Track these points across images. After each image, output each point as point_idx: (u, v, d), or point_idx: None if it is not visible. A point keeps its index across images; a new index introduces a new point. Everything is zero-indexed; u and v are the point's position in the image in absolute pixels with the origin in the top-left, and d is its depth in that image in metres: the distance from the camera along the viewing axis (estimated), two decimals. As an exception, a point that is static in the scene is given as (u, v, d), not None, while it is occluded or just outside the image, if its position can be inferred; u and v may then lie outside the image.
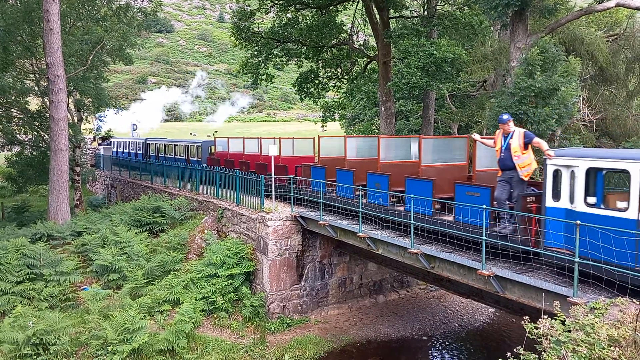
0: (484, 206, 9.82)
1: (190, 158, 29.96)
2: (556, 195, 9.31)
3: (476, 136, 11.83)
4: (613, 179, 9.39)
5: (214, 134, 42.38)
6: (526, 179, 10.37)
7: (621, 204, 8.26)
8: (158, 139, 38.07)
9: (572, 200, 9.00)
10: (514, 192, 10.44)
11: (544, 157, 9.58)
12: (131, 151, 39.80)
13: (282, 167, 19.15)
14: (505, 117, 10.62)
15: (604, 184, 8.75)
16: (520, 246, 9.71)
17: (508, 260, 10.12)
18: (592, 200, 8.71)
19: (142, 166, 31.23)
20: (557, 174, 9.33)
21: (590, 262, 8.06)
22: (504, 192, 10.46)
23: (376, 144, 15.01)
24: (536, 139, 10.26)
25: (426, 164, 13.32)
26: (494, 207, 10.48)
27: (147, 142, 37.40)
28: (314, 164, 18.17)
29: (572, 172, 8.99)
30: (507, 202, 10.43)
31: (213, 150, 27.89)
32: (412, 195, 11.68)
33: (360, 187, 14.08)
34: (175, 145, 32.79)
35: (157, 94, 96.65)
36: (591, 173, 8.74)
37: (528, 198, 10.20)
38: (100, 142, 47.33)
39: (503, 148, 10.61)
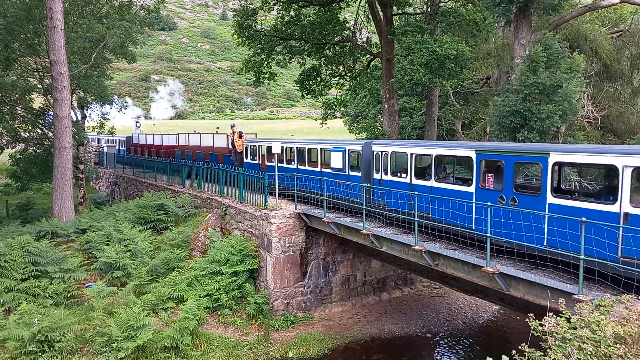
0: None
1: (121, 148, 44.04)
2: (249, 157, 22.98)
3: (236, 136, 24.11)
4: (264, 151, 21.56)
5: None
6: (240, 150, 23.56)
7: (262, 159, 21.66)
8: (108, 135, 48.35)
9: (251, 159, 22.65)
10: (237, 156, 23.75)
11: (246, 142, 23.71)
12: None
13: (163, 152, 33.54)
14: (231, 124, 24.61)
15: (263, 153, 21.49)
16: (524, 243, 9.72)
17: (513, 257, 10.12)
18: (254, 160, 22.28)
19: (145, 164, 31.36)
20: (251, 148, 22.86)
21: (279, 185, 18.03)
22: (233, 156, 24.14)
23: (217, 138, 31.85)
24: (243, 135, 24.12)
25: (218, 146, 30.19)
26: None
27: (99, 137, 49.55)
28: (177, 149, 31.93)
29: (252, 146, 22.77)
30: (235, 161, 23.71)
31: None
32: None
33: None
34: (114, 140, 45.97)
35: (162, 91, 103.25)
36: (255, 148, 22.51)
37: (244, 159, 23.47)
38: None
39: (232, 138, 24.06)
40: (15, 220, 24.86)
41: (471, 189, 11.73)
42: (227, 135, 24.64)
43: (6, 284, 14.82)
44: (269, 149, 20.32)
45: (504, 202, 10.77)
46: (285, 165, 19.72)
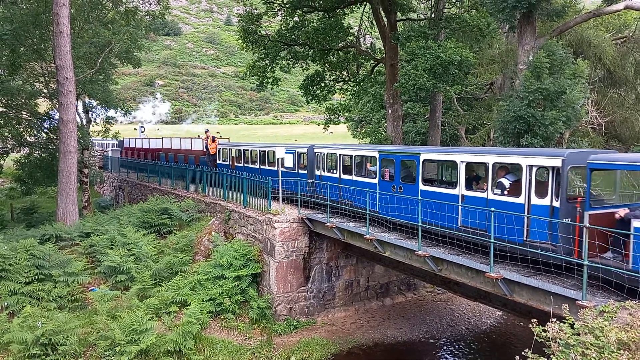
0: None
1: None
2: (221, 158, 26.45)
3: (209, 140, 26.74)
4: (233, 153, 25.56)
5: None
6: (213, 152, 26.48)
7: (232, 160, 25.47)
8: (99, 139, 49.62)
9: (223, 160, 26.21)
10: (210, 158, 26.49)
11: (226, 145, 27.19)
12: None
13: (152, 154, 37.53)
14: (205, 129, 27.89)
15: (233, 155, 25.41)
16: (524, 249, 9.72)
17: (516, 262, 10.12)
18: (225, 161, 25.97)
19: (149, 168, 31.48)
20: (223, 151, 26.50)
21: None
22: (207, 158, 26.60)
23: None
24: (216, 139, 26.91)
25: (195, 149, 30.91)
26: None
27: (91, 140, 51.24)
28: (161, 152, 35.31)
29: (224, 149, 26.44)
30: (208, 162, 26.41)
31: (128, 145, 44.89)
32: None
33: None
34: (107, 144, 48.84)
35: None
36: (226, 151, 26.35)
37: (217, 160, 26.63)
38: None
39: (206, 143, 26.74)
40: (19, 224, 24.98)
41: (376, 180, 15.07)
42: (202, 140, 28.64)
43: (10, 287, 14.88)
44: (238, 151, 24.89)
45: (394, 190, 13.88)
46: (250, 165, 22.99)
